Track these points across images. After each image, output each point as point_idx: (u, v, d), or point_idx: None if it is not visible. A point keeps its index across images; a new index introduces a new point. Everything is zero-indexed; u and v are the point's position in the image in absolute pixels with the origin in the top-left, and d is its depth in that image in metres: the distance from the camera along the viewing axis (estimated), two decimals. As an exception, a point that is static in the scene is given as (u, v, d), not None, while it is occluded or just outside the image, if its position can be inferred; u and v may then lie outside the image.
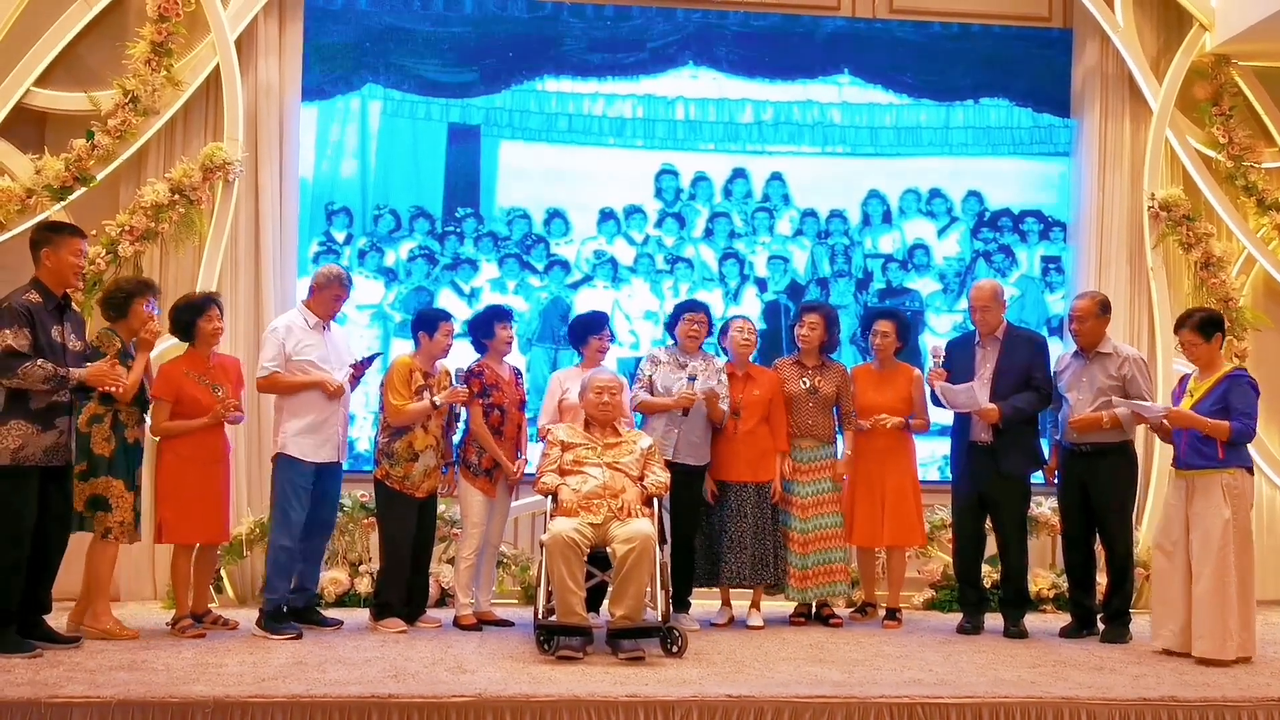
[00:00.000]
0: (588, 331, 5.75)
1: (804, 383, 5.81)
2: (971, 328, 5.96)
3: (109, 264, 6.15)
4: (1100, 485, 5.51)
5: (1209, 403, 5.06)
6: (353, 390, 5.57)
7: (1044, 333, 6.86)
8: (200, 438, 5.24)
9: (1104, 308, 5.63)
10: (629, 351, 6.56)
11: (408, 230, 6.89)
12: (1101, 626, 5.58)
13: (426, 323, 5.54)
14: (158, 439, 5.29)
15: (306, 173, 6.78)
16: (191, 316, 5.30)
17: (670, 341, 5.91)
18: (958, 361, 5.71)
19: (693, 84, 7.11)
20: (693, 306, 5.84)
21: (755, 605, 5.77)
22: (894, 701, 4.11)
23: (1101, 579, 5.74)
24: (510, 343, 5.70)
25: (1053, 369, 5.75)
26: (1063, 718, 4.13)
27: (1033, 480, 5.79)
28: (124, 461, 5.11)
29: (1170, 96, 6.96)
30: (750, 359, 5.88)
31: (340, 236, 6.84)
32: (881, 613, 5.95)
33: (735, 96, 7.14)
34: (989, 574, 6.12)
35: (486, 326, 5.64)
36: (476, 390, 5.49)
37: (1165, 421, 5.08)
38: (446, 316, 5.62)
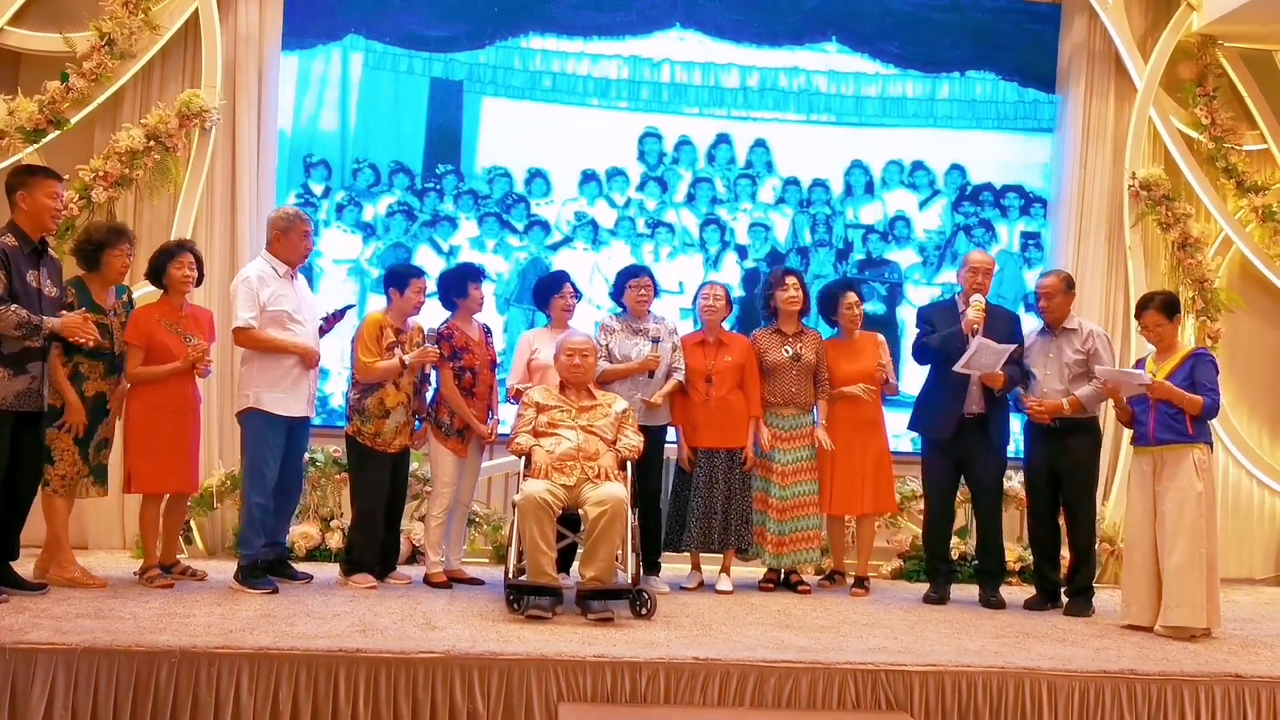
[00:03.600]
0: (549, 292, 5.73)
1: (786, 350, 5.80)
2: (946, 297, 5.95)
3: (82, 209, 6.08)
4: (1067, 461, 5.58)
5: (1175, 381, 5.13)
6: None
7: (1022, 308, 6.90)
8: (171, 387, 5.17)
9: (1069, 284, 5.70)
10: (608, 316, 6.53)
11: (387, 185, 6.83)
12: (1065, 600, 5.66)
13: (397, 279, 5.48)
14: (129, 388, 5.24)
15: (285, 123, 6.70)
16: (163, 261, 5.23)
17: (619, 309, 5.87)
18: (942, 326, 5.70)
19: (679, 46, 7.06)
20: (636, 272, 5.80)
21: (725, 570, 5.80)
22: (858, 668, 4.15)
23: (1065, 553, 5.80)
24: (482, 302, 5.65)
25: None
26: (1024, 687, 4.18)
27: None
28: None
29: (1155, 75, 6.97)
30: (725, 325, 5.87)
31: (318, 189, 6.77)
32: (850, 581, 6.00)
33: (721, 61, 7.09)
34: (956, 545, 6.18)
35: (460, 285, 5.58)
36: (446, 354, 5.46)
37: (1149, 391, 5.13)
38: (419, 273, 5.56)
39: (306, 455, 5.72)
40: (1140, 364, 5.41)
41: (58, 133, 6.16)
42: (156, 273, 5.26)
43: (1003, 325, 5.71)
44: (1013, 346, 5.52)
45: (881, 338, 6.02)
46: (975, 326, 5.55)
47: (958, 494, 5.89)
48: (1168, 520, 5.07)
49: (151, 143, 6.18)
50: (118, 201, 6.22)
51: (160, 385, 5.15)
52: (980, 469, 5.71)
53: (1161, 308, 5.27)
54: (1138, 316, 5.40)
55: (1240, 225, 7.11)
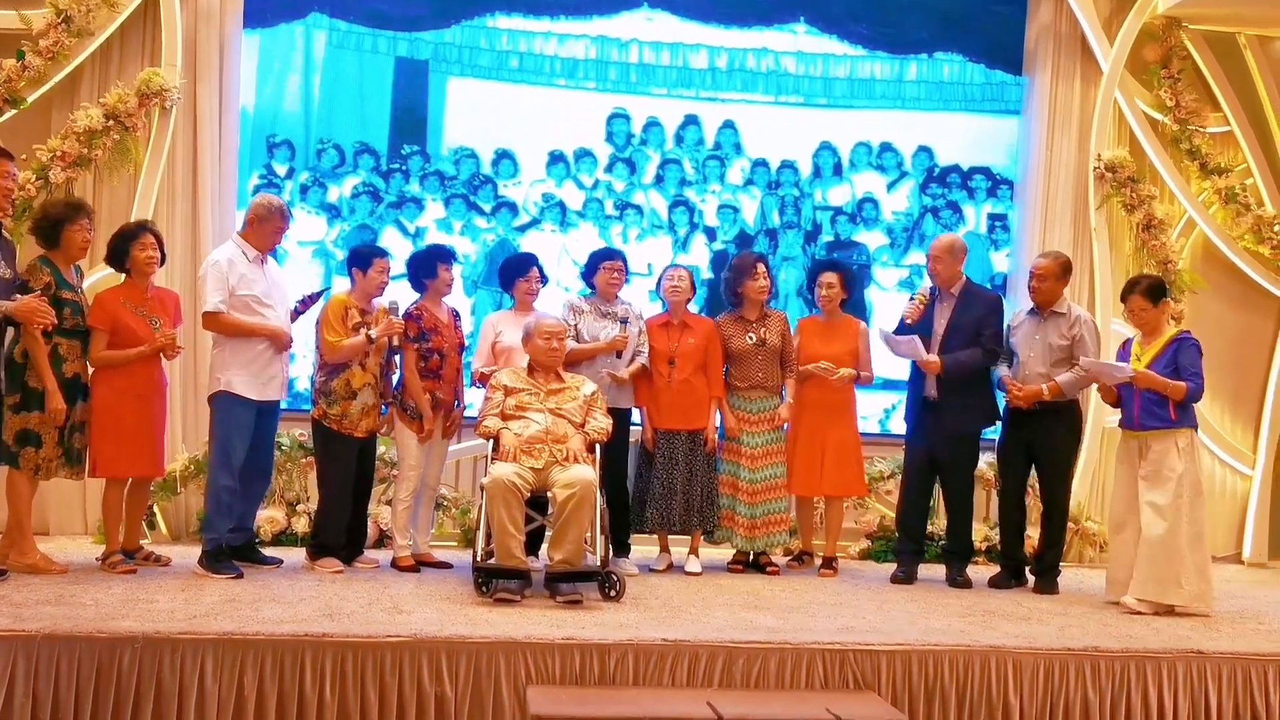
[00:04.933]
0: (515, 274, 5.70)
1: (750, 338, 5.79)
2: (919, 282, 5.98)
3: (39, 190, 5.97)
4: (1044, 443, 5.61)
5: (1159, 365, 5.20)
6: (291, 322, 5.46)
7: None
8: (136, 371, 5.10)
9: (1065, 269, 5.69)
10: (576, 297, 6.51)
11: (352, 166, 6.76)
12: (1031, 578, 5.71)
13: (360, 259, 5.44)
14: (93, 371, 5.15)
15: (247, 103, 6.61)
16: (124, 244, 5.14)
17: (588, 290, 5.85)
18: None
19: (647, 26, 7.02)
20: (610, 255, 5.80)
21: (693, 551, 5.81)
22: (827, 648, 4.16)
23: (1032, 532, 5.84)
24: (451, 284, 5.61)
25: (1007, 325, 5.79)
26: (990, 665, 4.21)
27: (983, 436, 5.86)
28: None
29: (1120, 57, 7.00)
30: (689, 308, 5.86)
31: (282, 170, 6.69)
32: (818, 562, 6.02)
33: (690, 41, 7.06)
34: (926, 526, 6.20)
35: (429, 266, 5.54)
36: (413, 335, 5.41)
37: (1132, 382, 5.19)
38: (381, 253, 5.52)
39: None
40: (1127, 346, 5.45)
41: (14, 112, 6.05)
42: (118, 256, 5.17)
43: (978, 307, 5.70)
44: (915, 336, 5.56)
45: (864, 326, 5.99)
46: (909, 320, 5.62)
47: (935, 476, 5.91)
48: (1150, 503, 5.15)
49: (110, 122, 6.08)
50: (76, 182, 6.12)
51: (126, 369, 5.07)
52: (942, 453, 5.73)
53: (1145, 293, 5.30)
54: (1123, 300, 5.45)
55: (1203, 207, 7.17)
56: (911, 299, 5.73)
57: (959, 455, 5.74)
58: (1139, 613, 5.05)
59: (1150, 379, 5.15)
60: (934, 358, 5.56)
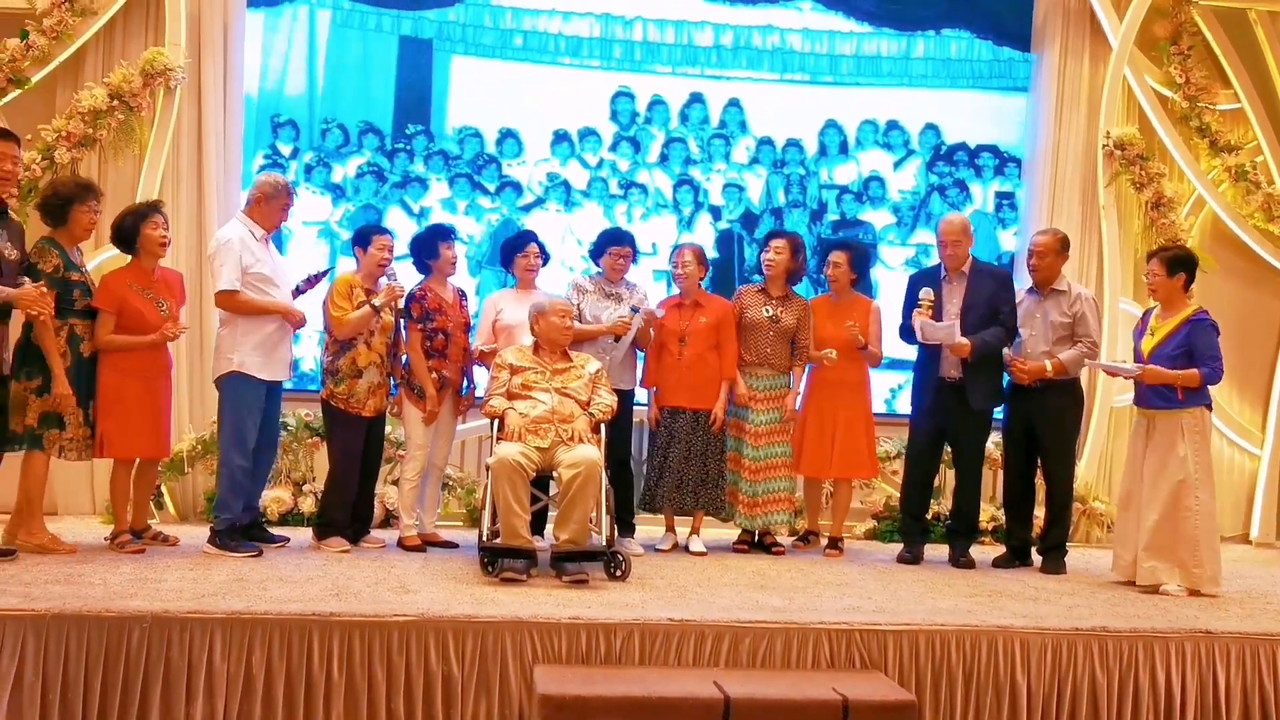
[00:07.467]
0: (514, 251, 5.68)
1: (766, 311, 5.77)
2: (926, 262, 5.94)
3: (45, 170, 5.96)
4: (1046, 421, 5.58)
5: (1171, 345, 5.15)
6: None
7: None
8: (142, 352, 5.09)
9: (1064, 245, 5.65)
10: (582, 277, 6.50)
11: (356, 146, 6.74)
12: (1037, 559, 5.70)
13: (361, 238, 5.46)
14: (99, 353, 5.14)
15: (251, 83, 6.58)
16: (136, 223, 5.11)
17: (595, 270, 5.84)
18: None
19: (652, 3, 6.96)
20: (618, 239, 5.75)
21: (695, 531, 5.80)
22: (833, 628, 4.16)
23: (1039, 512, 5.83)
24: (454, 263, 5.59)
25: None
26: (996, 645, 4.21)
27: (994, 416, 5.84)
28: (78, 376, 4.95)
29: (1130, 33, 6.94)
30: (701, 286, 5.83)
31: (286, 150, 6.66)
32: (824, 542, 6.01)
33: (695, 19, 7.01)
34: (930, 506, 6.19)
35: (430, 246, 5.52)
36: (417, 315, 5.41)
37: (1142, 379, 5.14)
38: (381, 230, 5.52)
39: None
40: (1146, 317, 5.41)
41: (18, 91, 6.03)
42: (126, 236, 5.13)
43: (990, 284, 5.64)
44: (954, 324, 5.47)
45: (876, 305, 5.94)
46: (916, 322, 5.54)
47: (941, 457, 5.88)
48: (1148, 481, 5.15)
49: (115, 102, 6.06)
50: (81, 162, 6.10)
51: (131, 350, 5.06)
52: (960, 433, 5.69)
53: (1165, 260, 5.24)
54: (1147, 261, 5.42)
55: (1213, 185, 7.12)
56: (917, 306, 5.61)
57: (975, 432, 5.71)
58: (1170, 595, 5.03)
59: (1159, 375, 5.08)
60: (965, 341, 5.51)
